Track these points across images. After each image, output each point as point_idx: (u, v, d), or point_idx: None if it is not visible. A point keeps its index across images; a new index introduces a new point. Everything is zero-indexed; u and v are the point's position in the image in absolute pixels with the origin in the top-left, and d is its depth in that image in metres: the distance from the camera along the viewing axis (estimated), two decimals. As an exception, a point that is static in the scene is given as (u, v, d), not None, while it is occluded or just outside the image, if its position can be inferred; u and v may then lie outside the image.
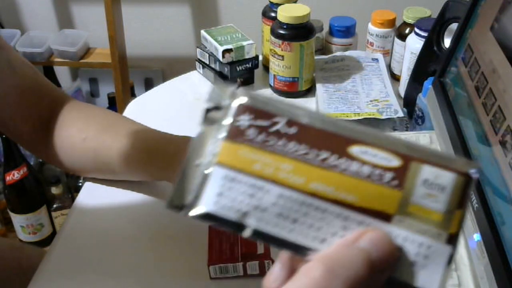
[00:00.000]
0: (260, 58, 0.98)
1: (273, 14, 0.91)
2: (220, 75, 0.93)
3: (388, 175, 0.27)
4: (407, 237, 0.27)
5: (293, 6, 0.87)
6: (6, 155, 1.44)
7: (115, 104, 1.74)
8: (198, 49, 0.96)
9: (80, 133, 0.66)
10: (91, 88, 2.02)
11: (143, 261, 0.61)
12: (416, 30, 0.84)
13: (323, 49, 1.00)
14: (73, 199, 1.62)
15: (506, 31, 0.52)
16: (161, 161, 0.63)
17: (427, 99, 0.71)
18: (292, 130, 0.28)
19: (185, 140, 0.63)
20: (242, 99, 0.28)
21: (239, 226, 0.27)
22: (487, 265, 0.46)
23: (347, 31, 0.96)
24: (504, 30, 0.52)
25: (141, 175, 0.68)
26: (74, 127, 0.67)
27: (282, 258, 0.29)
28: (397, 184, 0.27)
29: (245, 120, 0.28)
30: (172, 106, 0.91)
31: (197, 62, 0.98)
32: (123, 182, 0.73)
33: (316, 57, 0.93)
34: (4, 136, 1.41)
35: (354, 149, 0.27)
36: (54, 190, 1.54)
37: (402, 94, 0.88)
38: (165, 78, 1.96)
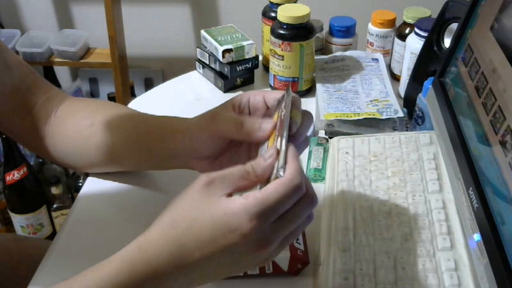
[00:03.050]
0: (260, 58, 0.98)
1: (273, 14, 0.91)
2: (220, 75, 0.93)
3: None
4: None
5: (293, 6, 0.87)
6: (6, 155, 1.44)
7: (115, 104, 1.73)
8: (198, 49, 0.97)
9: (86, 120, 0.67)
10: (91, 88, 2.02)
11: (143, 261, 0.61)
12: (416, 30, 0.84)
13: (323, 49, 1.00)
14: (73, 199, 1.62)
15: (506, 31, 0.52)
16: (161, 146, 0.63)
17: (427, 99, 0.71)
18: None
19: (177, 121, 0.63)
20: None
21: None
22: (487, 265, 0.46)
23: (347, 31, 0.96)
24: (504, 30, 0.52)
25: (139, 161, 0.68)
26: (80, 115, 0.68)
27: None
28: None
29: None
30: (172, 106, 0.90)
31: (197, 62, 0.98)
32: (124, 180, 0.73)
33: (316, 57, 0.93)
34: (4, 136, 1.41)
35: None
36: (54, 190, 1.54)
37: (402, 94, 0.88)
38: (165, 78, 1.96)
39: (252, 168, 0.46)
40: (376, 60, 0.94)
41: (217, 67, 0.93)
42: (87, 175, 0.75)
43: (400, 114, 0.79)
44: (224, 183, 0.44)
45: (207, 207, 0.43)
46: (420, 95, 0.77)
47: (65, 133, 0.68)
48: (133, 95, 1.83)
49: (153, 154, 0.64)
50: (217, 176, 0.45)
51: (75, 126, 0.67)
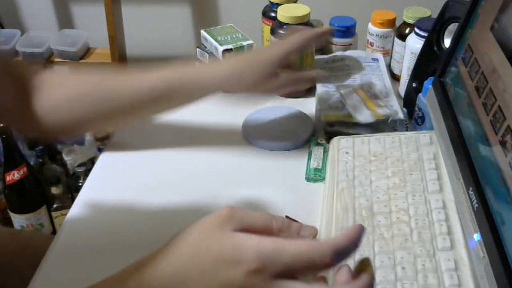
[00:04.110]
0: (260, 58, 0.98)
1: (273, 14, 0.91)
2: (220, 75, 0.93)
3: None
4: None
5: (293, 6, 0.87)
6: (6, 155, 1.44)
7: (115, 104, 1.74)
8: (198, 49, 0.96)
9: (78, 76, 0.67)
10: (91, 88, 2.02)
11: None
12: (416, 30, 0.84)
13: (323, 49, 1.00)
14: (73, 199, 1.61)
15: (506, 31, 0.52)
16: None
17: (427, 99, 0.71)
18: None
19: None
20: None
21: None
22: (487, 265, 0.46)
23: (347, 31, 0.96)
24: (504, 30, 0.52)
25: (153, 92, 0.67)
26: (71, 78, 0.68)
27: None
28: None
29: None
30: (172, 106, 0.90)
31: (197, 62, 0.98)
32: (124, 180, 0.73)
33: (316, 57, 0.93)
34: (4, 136, 1.41)
35: None
36: (54, 190, 1.54)
37: (402, 94, 0.88)
38: (165, 78, 1.96)
39: (280, 228, 0.43)
40: (376, 60, 0.94)
41: (217, 67, 0.93)
42: (87, 175, 0.75)
43: (400, 114, 0.79)
44: (243, 221, 0.42)
45: (217, 238, 0.41)
46: (420, 95, 0.77)
47: (68, 81, 0.67)
48: (133, 95, 1.83)
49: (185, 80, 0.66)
50: (241, 213, 0.43)
51: (78, 79, 0.68)
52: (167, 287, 0.42)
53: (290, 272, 0.40)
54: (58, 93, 0.66)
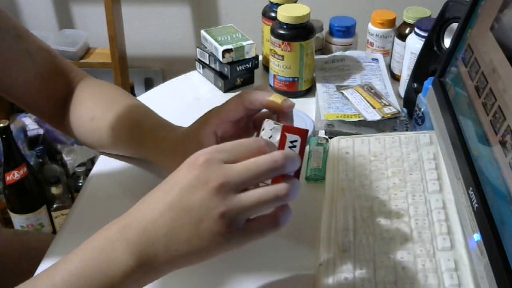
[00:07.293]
0: (260, 58, 0.98)
1: (273, 14, 0.91)
2: (220, 75, 0.93)
3: None
4: None
5: (293, 6, 0.87)
6: (6, 155, 1.44)
7: (115, 104, 1.74)
8: (198, 49, 0.97)
9: (88, 112, 0.71)
10: (91, 88, 2.02)
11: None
12: (416, 30, 0.84)
13: (323, 49, 1.00)
14: (73, 199, 1.62)
15: (506, 31, 0.52)
16: (151, 143, 0.67)
17: (427, 99, 0.71)
18: None
19: (175, 128, 0.68)
20: None
21: None
22: (487, 265, 0.46)
23: (347, 31, 0.96)
24: (504, 30, 0.52)
25: (135, 154, 0.73)
26: (84, 106, 0.72)
27: None
28: None
29: None
30: (172, 106, 0.91)
31: (197, 62, 0.98)
32: (124, 180, 0.73)
33: (316, 57, 0.93)
34: (4, 136, 1.41)
35: None
36: (54, 190, 1.54)
37: (402, 94, 0.88)
38: (165, 78, 1.96)
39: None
40: (376, 60, 0.94)
41: (217, 67, 0.93)
42: (87, 175, 0.76)
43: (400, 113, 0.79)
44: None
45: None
46: (420, 95, 0.77)
47: (73, 121, 0.73)
48: (133, 95, 1.83)
49: (143, 153, 0.70)
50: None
51: (80, 118, 0.72)
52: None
53: (236, 160, 0.44)
54: (74, 127, 0.74)
